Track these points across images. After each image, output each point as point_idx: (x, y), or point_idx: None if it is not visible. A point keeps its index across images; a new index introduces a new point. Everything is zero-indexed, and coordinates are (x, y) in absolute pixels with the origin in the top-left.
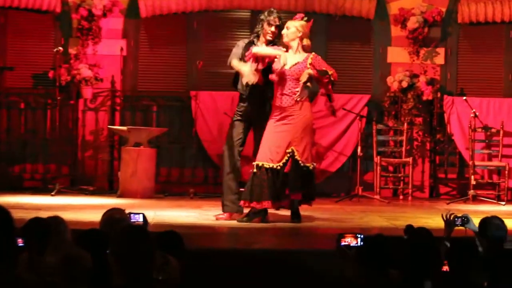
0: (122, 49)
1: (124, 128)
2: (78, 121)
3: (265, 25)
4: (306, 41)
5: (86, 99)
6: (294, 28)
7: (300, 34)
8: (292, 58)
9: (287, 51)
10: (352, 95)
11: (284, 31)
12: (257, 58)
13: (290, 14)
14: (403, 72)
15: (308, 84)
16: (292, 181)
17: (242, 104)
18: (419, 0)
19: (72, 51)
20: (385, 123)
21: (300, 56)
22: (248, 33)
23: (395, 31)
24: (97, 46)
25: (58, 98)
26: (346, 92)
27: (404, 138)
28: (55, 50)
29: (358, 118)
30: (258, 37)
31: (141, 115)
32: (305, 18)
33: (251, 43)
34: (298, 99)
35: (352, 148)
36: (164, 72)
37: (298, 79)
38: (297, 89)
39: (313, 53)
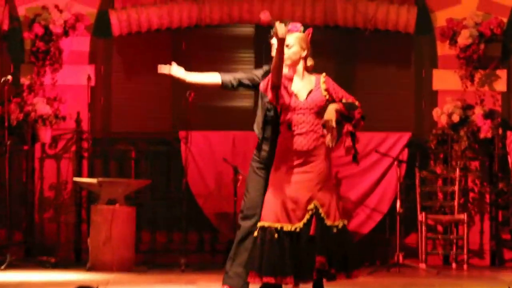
0: (89, 77)
1: (94, 180)
2: (34, 172)
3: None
4: (310, 61)
5: (44, 143)
6: (296, 45)
7: (305, 53)
8: (302, 86)
9: (291, 79)
10: (388, 133)
11: (286, 51)
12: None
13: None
14: (453, 102)
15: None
16: (319, 247)
17: (263, 149)
18: (472, 7)
19: (24, 80)
20: (432, 170)
21: (310, 81)
22: (252, 54)
23: (442, 48)
24: (57, 74)
25: (7, 142)
26: (380, 129)
27: (456, 188)
28: (2, 80)
29: (396, 163)
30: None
31: (116, 163)
32: (302, 28)
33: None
34: (330, 145)
35: (389, 203)
36: (144, 107)
37: (317, 113)
38: (317, 127)
39: (323, 74)
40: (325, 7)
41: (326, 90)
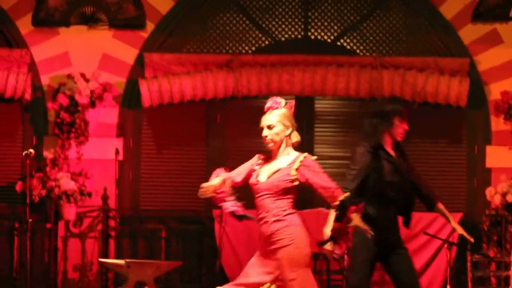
0: (117, 151)
1: (122, 262)
2: (57, 252)
3: (396, 121)
4: (296, 137)
5: (68, 221)
6: (279, 124)
7: (289, 131)
8: (271, 166)
9: (266, 160)
10: (437, 214)
11: (265, 132)
12: None
13: (351, 102)
14: (508, 181)
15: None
16: None
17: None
18: None
19: (47, 154)
20: (485, 253)
21: (285, 160)
22: None
23: (497, 123)
24: (83, 148)
25: (29, 220)
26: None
27: (511, 273)
28: (24, 153)
29: (446, 246)
30: (375, 141)
31: (145, 243)
32: (283, 103)
33: (377, 148)
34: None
35: None
36: (176, 183)
37: (279, 195)
38: (279, 210)
39: (305, 154)
40: (370, 78)
41: (297, 170)
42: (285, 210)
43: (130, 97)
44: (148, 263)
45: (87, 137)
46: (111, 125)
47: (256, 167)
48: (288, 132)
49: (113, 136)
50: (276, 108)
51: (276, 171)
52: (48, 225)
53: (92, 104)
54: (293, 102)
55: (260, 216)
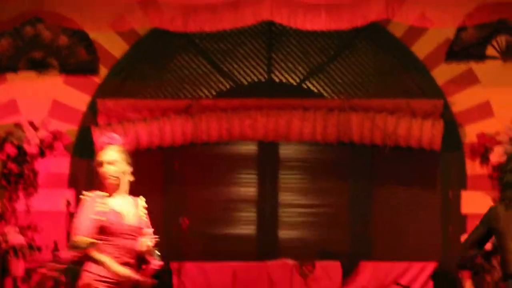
0: (69, 203)
1: None
2: None
3: None
4: (131, 177)
5: (15, 277)
6: (122, 161)
7: (130, 169)
8: (126, 205)
9: (103, 198)
10: (410, 263)
11: (106, 168)
12: None
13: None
14: None
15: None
16: None
17: None
18: (506, 120)
19: None
20: None
21: (130, 201)
22: (255, 175)
23: (473, 167)
24: (32, 199)
25: None
26: (401, 258)
27: None
28: None
29: None
30: None
31: None
32: (121, 140)
33: None
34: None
35: None
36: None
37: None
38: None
39: (141, 196)
40: (338, 121)
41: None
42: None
43: (82, 145)
44: None
45: (37, 188)
46: (62, 175)
47: (101, 207)
48: (129, 169)
49: (64, 186)
50: (115, 144)
51: (135, 213)
52: None
53: (42, 153)
54: (126, 140)
55: (123, 259)
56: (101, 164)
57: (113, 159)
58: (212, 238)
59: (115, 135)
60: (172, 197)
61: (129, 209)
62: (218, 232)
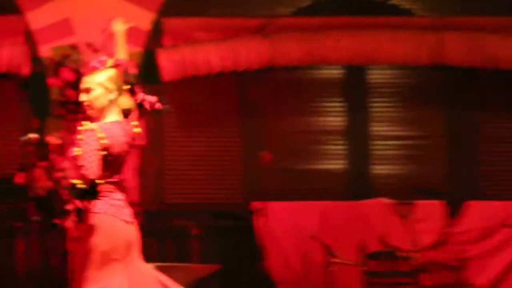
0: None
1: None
2: (67, 257)
3: None
4: (126, 103)
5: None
6: (99, 87)
7: (113, 96)
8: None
9: None
10: None
11: (83, 97)
12: None
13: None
14: None
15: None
16: None
17: None
18: None
19: (52, 139)
20: None
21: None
22: (340, 103)
23: None
24: None
25: (34, 218)
26: (511, 196)
27: None
28: (23, 138)
29: None
30: None
31: (174, 243)
32: (110, 62)
33: None
34: None
35: None
36: (207, 171)
37: None
38: None
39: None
40: (431, 42)
41: None
42: None
43: (147, 70)
44: (178, 266)
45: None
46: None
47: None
48: (111, 96)
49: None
50: (99, 69)
51: None
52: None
53: None
54: (124, 60)
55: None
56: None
57: (88, 85)
58: (296, 175)
59: (105, 58)
60: (249, 129)
61: None
62: (302, 168)
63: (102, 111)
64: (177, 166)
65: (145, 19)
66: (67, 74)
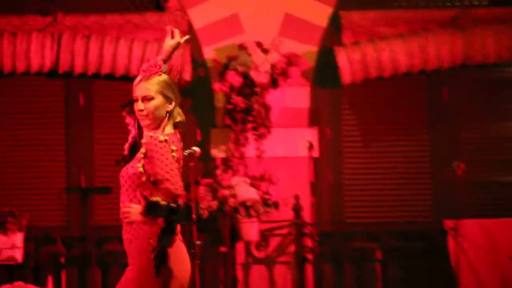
0: (311, 146)
1: None
2: (236, 285)
3: None
4: (180, 116)
5: (249, 242)
6: (159, 96)
7: (172, 107)
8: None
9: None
10: None
11: (141, 106)
12: None
13: None
14: None
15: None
16: None
17: None
18: None
19: (217, 152)
20: None
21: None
22: None
23: None
24: (264, 142)
25: (197, 242)
26: None
27: None
28: (185, 152)
29: None
30: None
31: (354, 268)
32: (165, 67)
33: None
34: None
35: None
36: (392, 186)
37: (133, 191)
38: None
39: (151, 132)
40: None
41: (143, 156)
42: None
43: (324, 71)
44: None
45: (269, 128)
46: (300, 111)
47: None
48: (170, 107)
49: (304, 125)
50: (156, 74)
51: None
52: (223, 249)
53: (274, 83)
54: (175, 64)
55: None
56: (136, 99)
57: (148, 93)
58: (493, 188)
59: (159, 61)
60: (440, 136)
61: None
62: (501, 180)
63: (159, 123)
64: (358, 180)
65: (321, 14)
66: (234, 78)
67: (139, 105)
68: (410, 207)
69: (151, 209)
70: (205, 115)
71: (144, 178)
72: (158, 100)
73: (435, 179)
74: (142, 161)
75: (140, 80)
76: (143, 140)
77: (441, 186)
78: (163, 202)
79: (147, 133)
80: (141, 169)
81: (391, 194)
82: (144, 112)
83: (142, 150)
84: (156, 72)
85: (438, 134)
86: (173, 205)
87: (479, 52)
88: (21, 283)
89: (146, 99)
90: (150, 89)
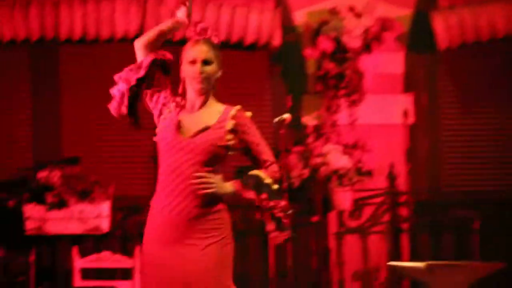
0: (406, 113)
1: (421, 265)
2: (328, 255)
3: None
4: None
5: (342, 211)
6: (216, 62)
7: (220, 73)
8: (195, 118)
9: (182, 105)
10: None
11: (201, 68)
12: None
13: None
14: None
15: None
16: None
17: None
18: None
19: (308, 120)
20: None
21: (211, 113)
22: None
23: None
24: (357, 109)
25: (288, 212)
26: None
27: None
28: (275, 120)
29: None
30: None
31: (452, 238)
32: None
33: None
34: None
35: None
36: (493, 152)
37: (205, 162)
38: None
39: (238, 106)
40: None
41: (233, 131)
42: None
43: (419, 36)
44: (458, 265)
45: (362, 95)
46: (395, 77)
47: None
48: (219, 74)
49: (399, 91)
50: (209, 38)
51: (205, 129)
52: (315, 219)
53: (367, 48)
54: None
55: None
56: (194, 61)
57: (209, 57)
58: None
59: (205, 25)
60: None
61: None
62: None
63: (209, 90)
64: (456, 147)
65: None
66: (326, 44)
67: (198, 67)
68: (509, 176)
69: (252, 181)
70: (296, 81)
71: (225, 152)
72: (216, 64)
73: None
74: (230, 135)
75: (196, 42)
76: (233, 113)
77: None
78: (268, 180)
79: (237, 107)
80: (231, 142)
81: (492, 161)
82: (204, 75)
83: (230, 125)
84: (209, 37)
85: None
86: (275, 186)
87: None
88: (108, 253)
89: (206, 62)
90: (211, 52)
